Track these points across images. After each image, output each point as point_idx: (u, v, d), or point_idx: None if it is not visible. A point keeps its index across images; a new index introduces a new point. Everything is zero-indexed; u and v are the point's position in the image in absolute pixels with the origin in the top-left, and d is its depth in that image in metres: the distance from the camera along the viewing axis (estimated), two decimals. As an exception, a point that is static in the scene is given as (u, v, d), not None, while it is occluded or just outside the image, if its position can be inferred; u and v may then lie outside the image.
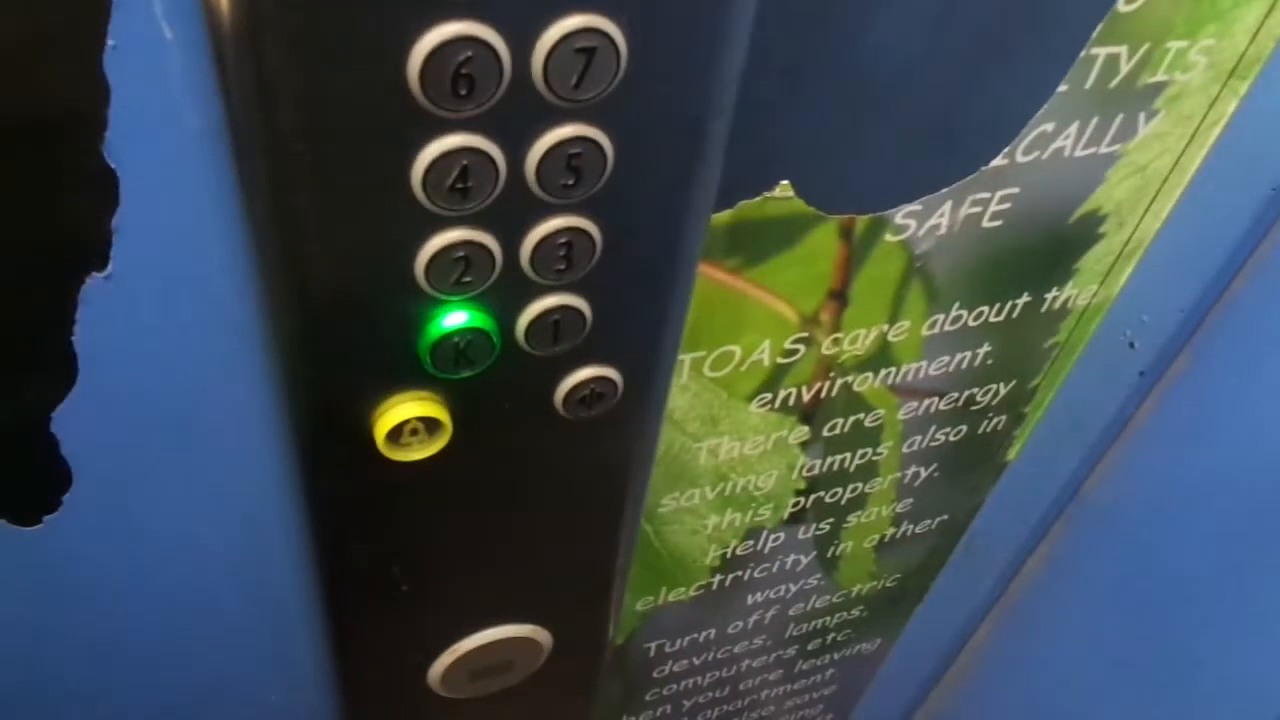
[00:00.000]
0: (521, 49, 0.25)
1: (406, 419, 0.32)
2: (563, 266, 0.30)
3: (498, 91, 0.25)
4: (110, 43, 0.24)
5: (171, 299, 0.30)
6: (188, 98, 0.25)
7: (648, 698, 0.66)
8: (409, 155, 0.26)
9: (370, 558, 0.38)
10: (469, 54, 0.24)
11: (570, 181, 0.28)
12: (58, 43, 0.24)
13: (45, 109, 0.25)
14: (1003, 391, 0.53)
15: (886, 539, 0.61)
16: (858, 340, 0.45)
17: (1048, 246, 0.44)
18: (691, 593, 0.57)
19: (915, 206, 0.39)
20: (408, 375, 0.32)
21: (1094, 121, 0.39)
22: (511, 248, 0.29)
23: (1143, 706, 0.57)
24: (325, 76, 0.24)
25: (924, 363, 0.48)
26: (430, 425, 0.33)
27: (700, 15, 0.26)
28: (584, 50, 0.25)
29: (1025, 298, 0.47)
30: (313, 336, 0.30)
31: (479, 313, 0.31)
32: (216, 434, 0.34)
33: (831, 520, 0.57)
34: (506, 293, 0.30)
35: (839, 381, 0.47)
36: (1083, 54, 0.36)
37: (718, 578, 0.57)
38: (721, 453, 0.47)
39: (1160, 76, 0.39)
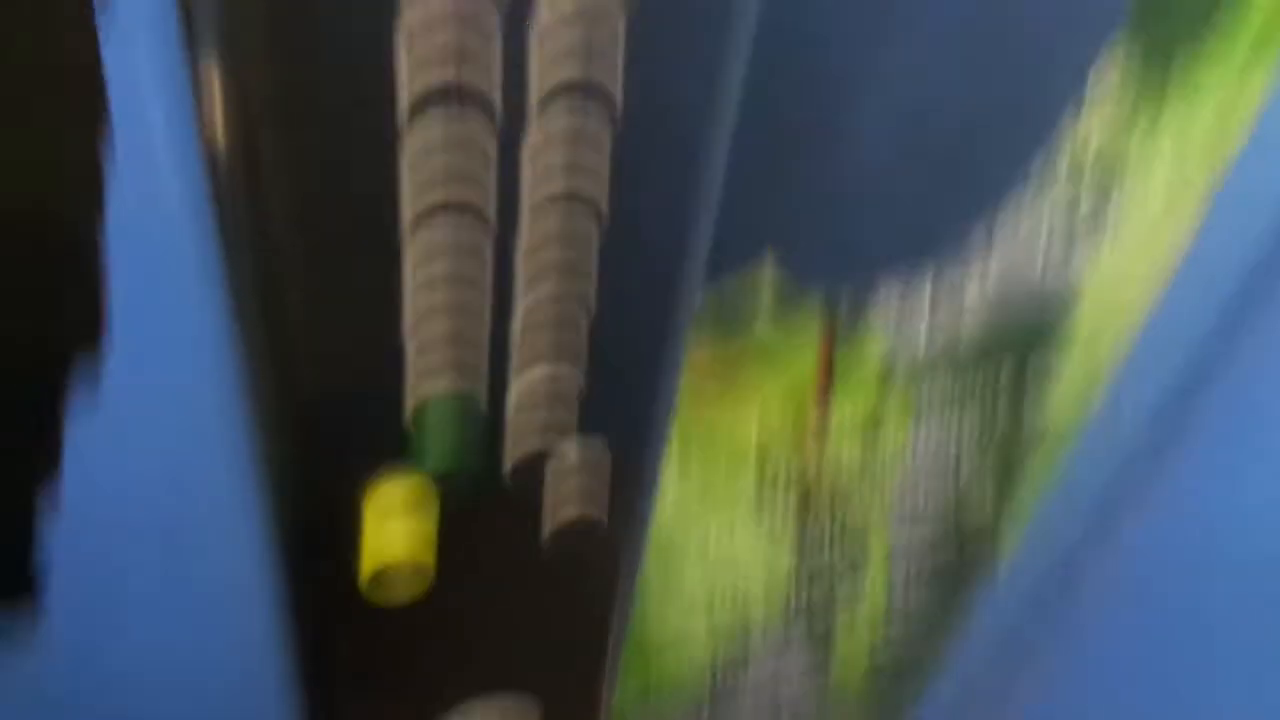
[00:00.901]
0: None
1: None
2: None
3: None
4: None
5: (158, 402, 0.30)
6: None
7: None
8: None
9: (352, 656, 0.37)
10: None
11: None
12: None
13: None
14: (992, 492, 0.52)
15: (878, 654, 0.59)
16: (842, 445, 0.45)
17: (1031, 333, 0.45)
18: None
19: (896, 300, 0.40)
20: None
21: (1067, 213, 0.40)
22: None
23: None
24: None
25: (912, 466, 0.48)
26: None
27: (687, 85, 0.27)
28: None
29: (1010, 385, 0.47)
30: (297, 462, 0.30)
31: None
32: (202, 536, 0.34)
33: (824, 634, 0.55)
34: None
35: (825, 487, 0.46)
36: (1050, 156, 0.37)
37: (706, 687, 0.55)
38: (709, 554, 0.47)
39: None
